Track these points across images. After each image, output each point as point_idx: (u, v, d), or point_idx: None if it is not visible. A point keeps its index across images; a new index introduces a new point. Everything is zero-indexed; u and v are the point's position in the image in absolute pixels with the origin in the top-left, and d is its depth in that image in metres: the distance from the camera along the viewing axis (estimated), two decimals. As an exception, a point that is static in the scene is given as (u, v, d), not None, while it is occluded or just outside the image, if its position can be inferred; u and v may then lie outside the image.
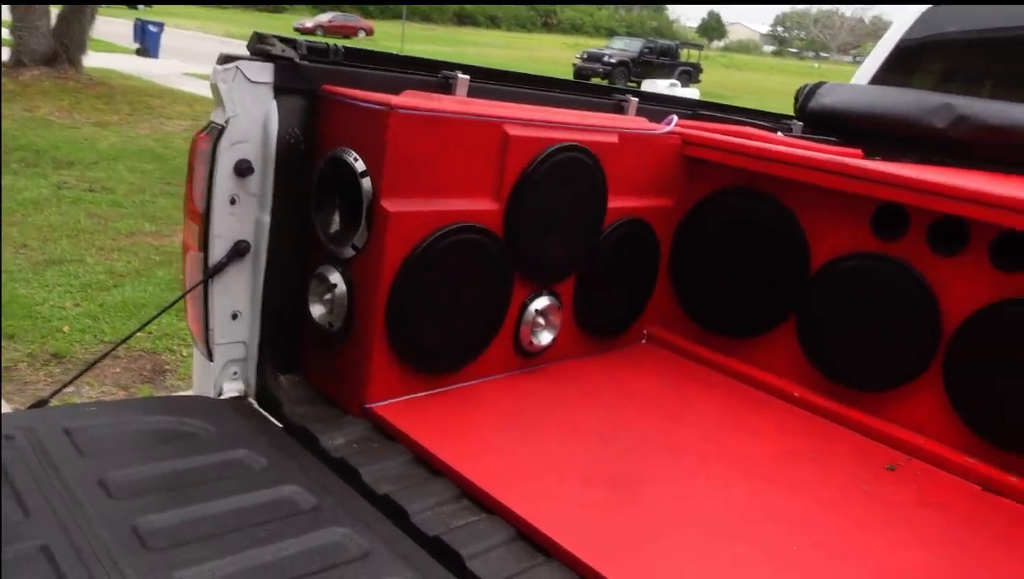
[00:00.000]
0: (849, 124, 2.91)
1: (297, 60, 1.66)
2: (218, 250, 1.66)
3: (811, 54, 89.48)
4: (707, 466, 1.67)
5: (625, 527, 1.40)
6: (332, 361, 1.75)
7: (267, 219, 1.68)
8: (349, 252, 1.65)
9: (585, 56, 30.96)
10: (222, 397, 1.73)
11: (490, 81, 2.04)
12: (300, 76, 1.67)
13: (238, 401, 1.73)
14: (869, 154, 2.68)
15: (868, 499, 1.64)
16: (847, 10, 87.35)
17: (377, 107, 1.57)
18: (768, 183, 2.13)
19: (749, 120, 2.76)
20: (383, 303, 1.63)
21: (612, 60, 29.82)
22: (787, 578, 1.34)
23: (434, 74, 1.90)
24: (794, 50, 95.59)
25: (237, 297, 1.71)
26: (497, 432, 1.67)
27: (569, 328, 2.10)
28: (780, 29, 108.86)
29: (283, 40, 1.65)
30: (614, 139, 2.01)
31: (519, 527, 1.37)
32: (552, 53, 39.78)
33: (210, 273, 1.66)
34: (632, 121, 2.17)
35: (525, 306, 1.95)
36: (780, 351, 2.15)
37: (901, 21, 3.29)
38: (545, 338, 2.03)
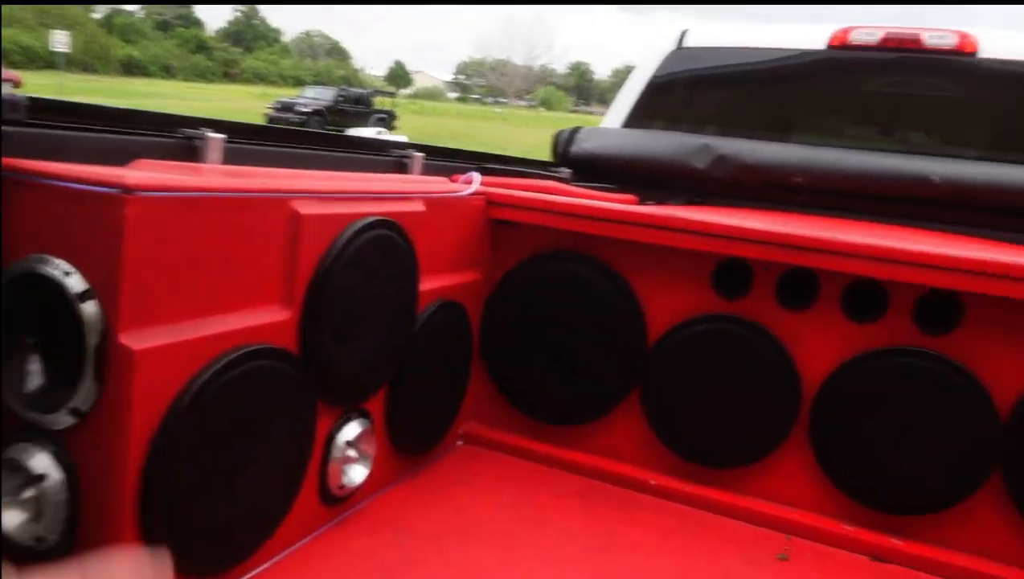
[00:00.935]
0: (613, 169, 2.79)
1: None
2: None
3: (491, 99, 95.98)
4: None
5: None
6: None
7: None
8: (66, 421, 1.04)
9: (278, 106, 29.64)
10: None
11: (247, 140, 1.52)
12: None
13: None
14: (642, 199, 2.56)
15: None
16: (519, 59, 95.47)
17: (104, 189, 0.99)
18: (591, 244, 1.85)
19: (532, 171, 2.50)
20: (132, 490, 1.04)
21: (306, 109, 28.92)
22: None
23: (171, 133, 1.34)
24: (476, 96, 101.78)
25: None
26: None
27: (384, 453, 1.63)
28: (462, 77, 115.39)
29: None
30: (421, 207, 1.59)
31: None
32: (242, 104, 37.74)
33: None
34: (433, 183, 1.77)
35: (331, 440, 1.45)
36: (625, 434, 1.87)
37: (645, 64, 3.29)
38: (358, 475, 1.53)
